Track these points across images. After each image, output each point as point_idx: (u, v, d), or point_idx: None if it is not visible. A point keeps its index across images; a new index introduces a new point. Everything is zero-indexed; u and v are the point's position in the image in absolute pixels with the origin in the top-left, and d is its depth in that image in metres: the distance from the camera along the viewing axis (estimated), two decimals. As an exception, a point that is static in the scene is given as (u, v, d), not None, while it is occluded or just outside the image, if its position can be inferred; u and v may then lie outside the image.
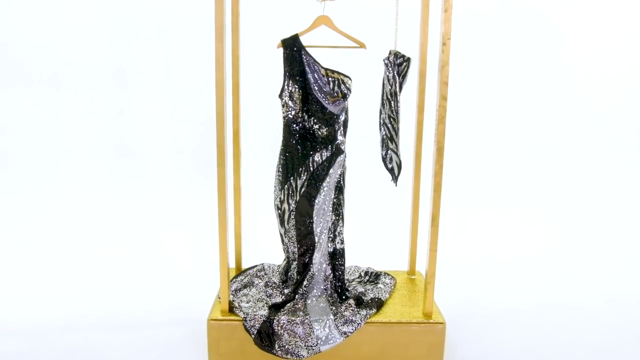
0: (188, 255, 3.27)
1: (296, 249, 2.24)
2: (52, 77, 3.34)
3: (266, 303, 2.20)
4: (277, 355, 2.02)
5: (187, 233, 3.42)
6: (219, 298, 2.21)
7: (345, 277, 2.45)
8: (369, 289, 2.33)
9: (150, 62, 3.36)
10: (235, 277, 2.46)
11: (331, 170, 2.16)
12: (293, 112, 2.14)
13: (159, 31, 3.33)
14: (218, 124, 1.97)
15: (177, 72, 3.39)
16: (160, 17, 3.32)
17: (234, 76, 2.38)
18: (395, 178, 2.30)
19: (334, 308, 2.15)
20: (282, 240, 2.31)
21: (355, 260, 2.71)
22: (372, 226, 3.53)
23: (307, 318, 2.07)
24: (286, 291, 2.27)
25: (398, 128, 2.21)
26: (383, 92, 2.20)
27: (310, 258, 2.22)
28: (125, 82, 3.38)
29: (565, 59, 3.53)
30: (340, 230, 2.26)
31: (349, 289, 2.33)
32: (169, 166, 3.48)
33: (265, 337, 2.03)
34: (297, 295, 2.20)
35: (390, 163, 2.27)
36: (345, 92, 2.12)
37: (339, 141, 2.18)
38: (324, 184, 2.16)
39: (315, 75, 2.09)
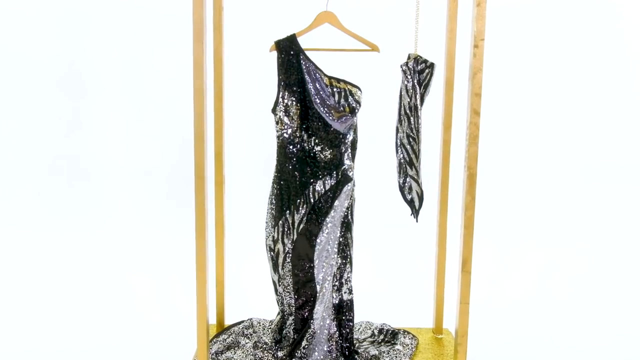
0: (157, 308, 3.26)
1: (293, 301, 2.24)
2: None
3: (255, 369, 2.19)
4: None
5: (156, 279, 3.41)
6: (196, 362, 2.20)
7: (355, 336, 2.44)
8: (384, 352, 2.31)
9: (112, 62, 3.38)
10: (217, 335, 2.45)
11: (336, 203, 2.17)
12: (289, 131, 2.15)
13: (124, 24, 3.35)
14: (196, 142, 1.98)
15: (146, 76, 3.40)
16: (126, 6, 3.33)
17: (217, 84, 2.40)
18: (415, 212, 2.30)
19: (339, 376, 2.14)
20: (276, 290, 2.31)
21: (367, 314, 2.70)
22: (387, 272, 3.52)
23: (306, 388, 2.06)
24: (280, 354, 2.26)
25: (419, 150, 2.22)
26: (400, 106, 2.22)
27: (311, 312, 2.21)
28: (80, 86, 3.38)
29: (633, 66, 3.53)
30: (348, 277, 2.26)
31: (359, 351, 2.32)
32: (134, 194, 3.49)
33: (254, 412, 2.02)
34: (294, 359, 2.19)
35: (409, 193, 2.28)
36: (354, 105, 2.14)
37: (345, 166, 2.19)
38: (328, 220, 2.17)
39: (317, 85, 2.12)
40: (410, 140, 2.20)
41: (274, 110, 2.16)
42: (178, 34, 3.20)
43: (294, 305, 2.24)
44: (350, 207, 2.22)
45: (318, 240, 2.17)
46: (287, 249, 2.20)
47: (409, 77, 2.17)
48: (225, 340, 2.40)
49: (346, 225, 2.22)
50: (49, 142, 3.41)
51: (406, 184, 2.27)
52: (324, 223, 2.17)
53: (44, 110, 3.38)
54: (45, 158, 3.42)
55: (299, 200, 2.17)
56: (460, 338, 2.06)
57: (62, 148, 3.42)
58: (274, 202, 2.22)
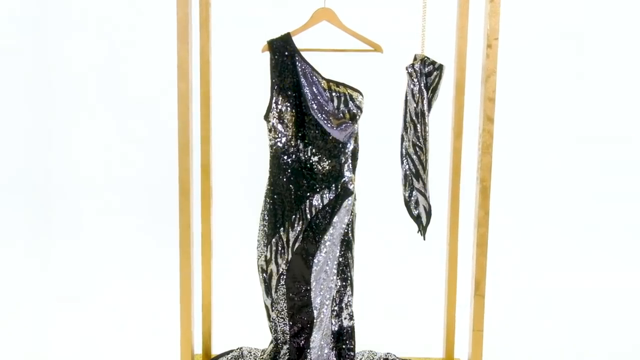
0: (136, 336, 3.24)
1: (287, 328, 2.23)
2: None
3: (245, 404, 2.18)
4: None
5: (135, 303, 3.40)
6: (179, 396, 2.18)
7: (356, 367, 2.43)
8: (388, 384, 2.31)
9: (87, 63, 3.37)
10: (203, 366, 2.44)
11: (335, 219, 2.16)
12: (284, 139, 2.15)
13: (101, 21, 3.35)
14: (181, 151, 1.98)
15: (125, 78, 3.40)
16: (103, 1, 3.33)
17: (203, 87, 2.40)
18: (423, 229, 2.29)
19: (339, 411, 2.13)
20: (268, 315, 2.30)
21: (370, 342, 2.69)
22: (392, 295, 3.51)
23: None
24: (273, 387, 2.25)
25: (426, 160, 2.22)
26: (406, 112, 2.22)
27: (307, 340, 2.20)
28: (49, 89, 3.37)
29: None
30: (349, 301, 2.25)
31: (361, 383, 2.31)
32: (111, 208, 3.48)
33: None
34: (288, 393, 2.18)
35: (416, 208, 2.27)
36: (355, 111, 2.13)
37: (345, 179, 2.19)
38: (326, 238, 2.16)
39: (314, 90, 2.11)
40: (417, 149, 2.20)
41: (266, 117, 2.15)
42: (160, 32, 3.20)
43: (288, 332, 2.23)
44: (350, 224, 2.21)
45: (315, 261, 2.16)
46: (281, 270, 2.18)
47: (415, 80, 2.17)
48: (213, 371, 2.39)
49: (346, 244, 2.21)
50: (12, 153, 3.39)
51: (412, 198, 2.26)
52: (322, 241, 2.16)
53: (8, 116, 3.36)
54: (8, 171, 3.41)
55: (294, 216, 2.16)
56: (473, 369, 2.06)
57: (28, 159, 3.40)
58: (267, 218, 2.22)
